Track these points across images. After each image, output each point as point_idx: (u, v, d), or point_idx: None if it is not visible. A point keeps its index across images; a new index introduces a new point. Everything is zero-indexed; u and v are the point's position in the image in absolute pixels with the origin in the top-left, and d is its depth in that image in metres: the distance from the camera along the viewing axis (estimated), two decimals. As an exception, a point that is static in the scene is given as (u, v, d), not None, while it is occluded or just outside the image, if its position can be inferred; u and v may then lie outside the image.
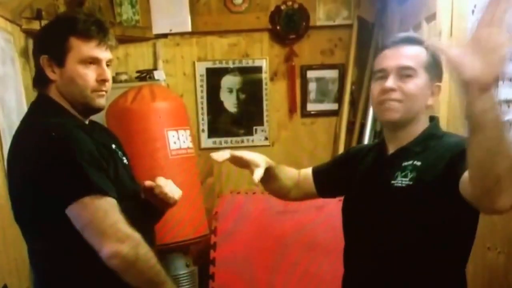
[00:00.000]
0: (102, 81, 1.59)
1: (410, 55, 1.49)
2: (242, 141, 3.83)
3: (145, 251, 1.47)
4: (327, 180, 1.79)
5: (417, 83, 1.47)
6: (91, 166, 1.47)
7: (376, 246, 1.49)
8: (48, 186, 1.46)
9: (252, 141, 3.81)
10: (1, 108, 2.58)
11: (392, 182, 1.46)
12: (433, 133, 1.52)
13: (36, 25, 2.99)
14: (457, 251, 1.47)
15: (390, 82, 1.46)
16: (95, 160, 1.49)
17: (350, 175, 1.65)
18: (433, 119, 1.56)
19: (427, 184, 1.40)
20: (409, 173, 1.44)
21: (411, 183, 1.43)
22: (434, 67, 1.50)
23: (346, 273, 1.64)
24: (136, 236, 1.47)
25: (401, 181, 1.45)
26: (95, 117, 1.71)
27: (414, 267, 1.44)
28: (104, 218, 1.44)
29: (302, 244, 3.19)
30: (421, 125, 1.52)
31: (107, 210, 1.45)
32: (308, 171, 1.83)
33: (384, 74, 1.49)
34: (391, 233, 1.46)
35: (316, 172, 1.81)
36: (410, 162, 1.46)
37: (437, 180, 1.37)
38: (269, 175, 1.76)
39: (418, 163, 1.45)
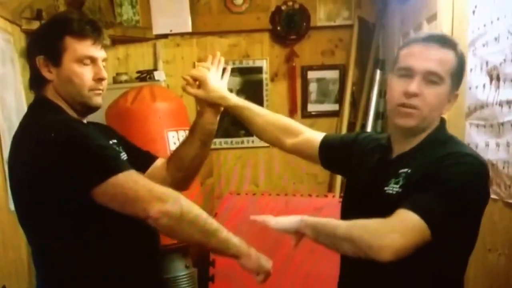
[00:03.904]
0: (99, 79, 1.59)
1: (440, 60, 1.38)
2: (242, 142, 3.82)
3: (187, 203, 1.50)
4: (331, 156, 1.72)
5: (440, 91, 1.38)
6: (103, 149, 1.49)
7: None
8: (64, 180, 1.44)
9: (252, 142, 3.79)
10: (1, 109, 2.58)
11: (385, 188, 1.41)
12: (437, 138, 1.43)
13: (36, 26, 2.97)
14: (449, 260, 1.40)
15: (414, 87, 1.36)
16: (104, 143, 1.52)
17: (350, 162, 1.61)
18: (440, 122, 1.46)
19: (413, 191, 1.33)
20: (401, 180, 1.39)
21: (400, 190, 1.38)
22: (458, 75, 1.41)
23: (341, 274, 1.61)
24: (172, 192, 1.49)
25: (392, 188, 1.39)
26: (95, 118, 1.71)
27: (406, 274, 1.37)
28: (136, 187, 1.45)
29: (302, 246, 3.18)
30: (430, 131, 1.44)
31: (135, 179, 1.46)
32: (316, 136, 1.76)
33: (409, 74, 1.38)
34: None
35: (324, 143, 1.73)
36: (406, 169, 1.40)
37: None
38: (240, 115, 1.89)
39: (410, 170, 1.39)
